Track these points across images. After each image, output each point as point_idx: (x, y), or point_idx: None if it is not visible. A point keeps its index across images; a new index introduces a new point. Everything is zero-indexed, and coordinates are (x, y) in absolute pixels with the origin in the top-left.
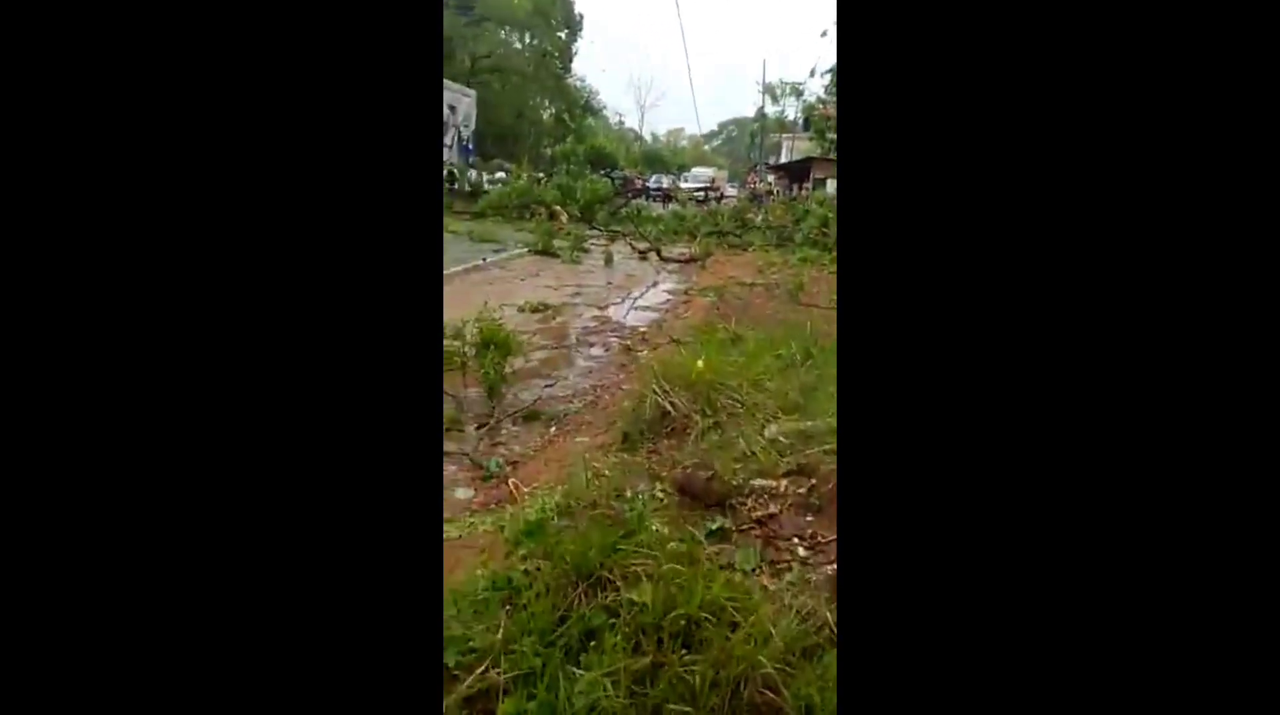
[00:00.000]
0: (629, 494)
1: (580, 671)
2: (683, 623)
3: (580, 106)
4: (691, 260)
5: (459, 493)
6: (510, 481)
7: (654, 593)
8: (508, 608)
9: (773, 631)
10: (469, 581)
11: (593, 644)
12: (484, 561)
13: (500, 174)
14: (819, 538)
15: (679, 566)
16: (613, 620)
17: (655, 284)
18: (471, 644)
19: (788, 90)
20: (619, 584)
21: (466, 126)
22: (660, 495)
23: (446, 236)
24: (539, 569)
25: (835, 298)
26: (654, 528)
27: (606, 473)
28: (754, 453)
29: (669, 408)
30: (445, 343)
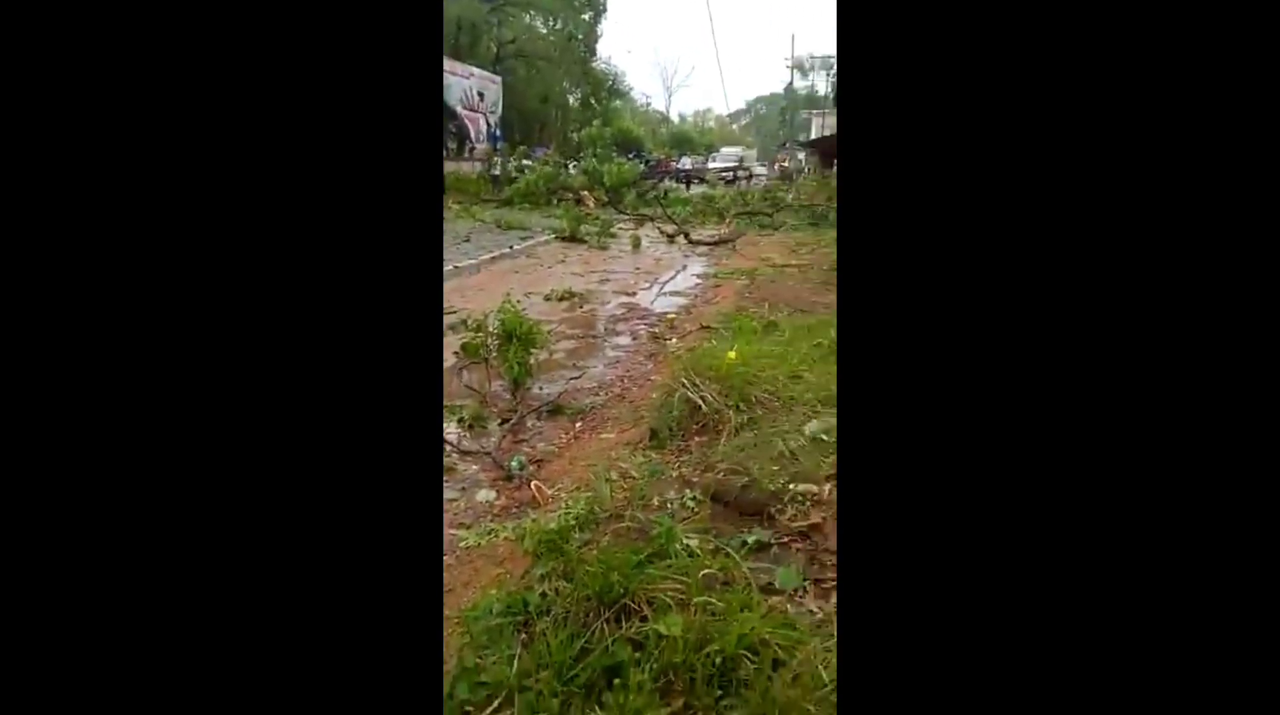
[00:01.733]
0: (656, 501)
1: (602, 714)
2: (718, 660)
3: (606, 89)
4: (721, 242)
5: (480, 495)
6: (533, 484)
7: (684, 624)
8: (523, 636)
9: (821, 671)
10: (483, 602)
11: (616, 682)
12: (499, 580)
13: (527, 161)
14: None
15: (712, 598)
16: (638, 655)
17: (684, 268)
18: (484, 678)
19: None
20: (645, 612)
21: (493, 113)
22: (691, 503)
23: (474, 224)
24: (558, 591)
25: None
26: (684, 542)
27: (634, 474)
28: (793, 453)
29: (699, 402)
30: (469, 336)
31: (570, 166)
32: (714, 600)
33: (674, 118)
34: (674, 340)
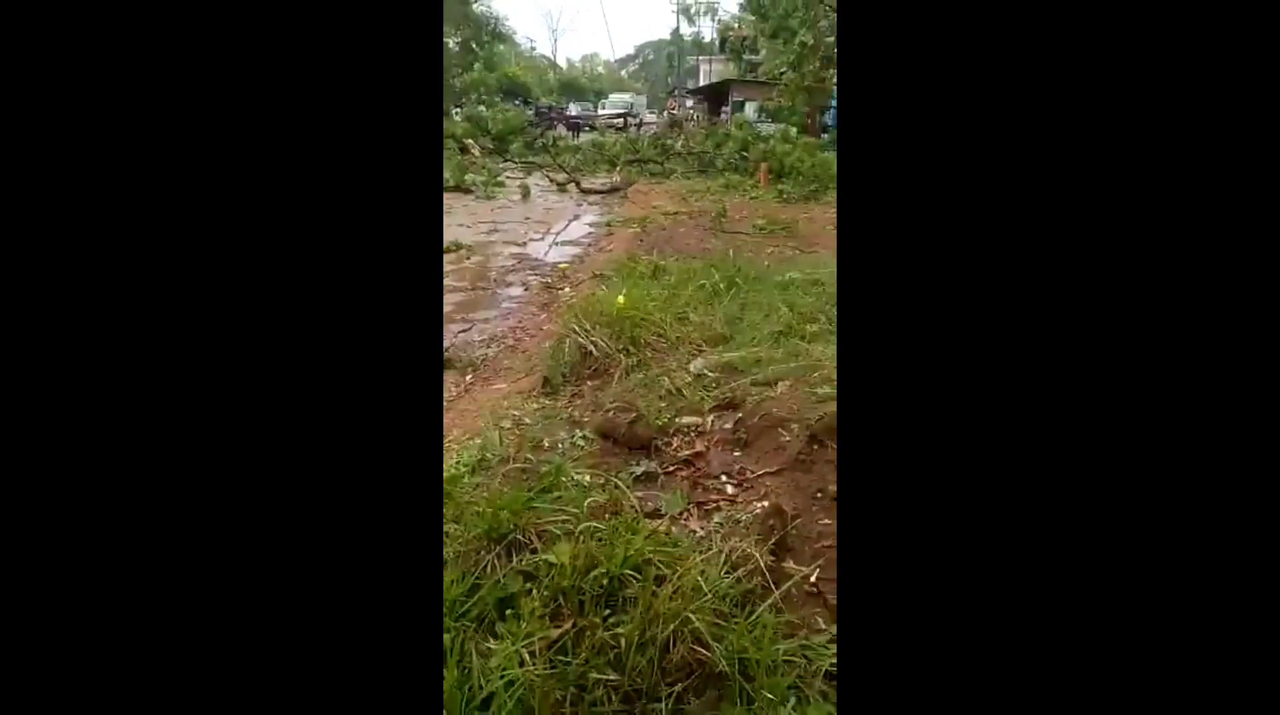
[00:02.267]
0: (547, 443)
1: (494, 644)
2: (605, 582)
3: (488, 33)
4: (613, 190)
5: None
6: None
7: (573, 552)
8: None
9: (702, 583)
10: None
11: (509, 612)
12: None
13: None
14: (746, 474)
15: (599, 522)
16: (529, 585)
17: (576, 217)
18: None
19: (702, 10)
20: (536, 545)
21: None
22: (581, 442)
23: None
24: (447, 534)
25: (757, 223)
26: (574, 478)
27: (526, 421)
28: (679, 390)
29: (591, 348)
30: None
31: (454, 113)
32: (600, 527)
33: (561, 63)
34: (567, 289)
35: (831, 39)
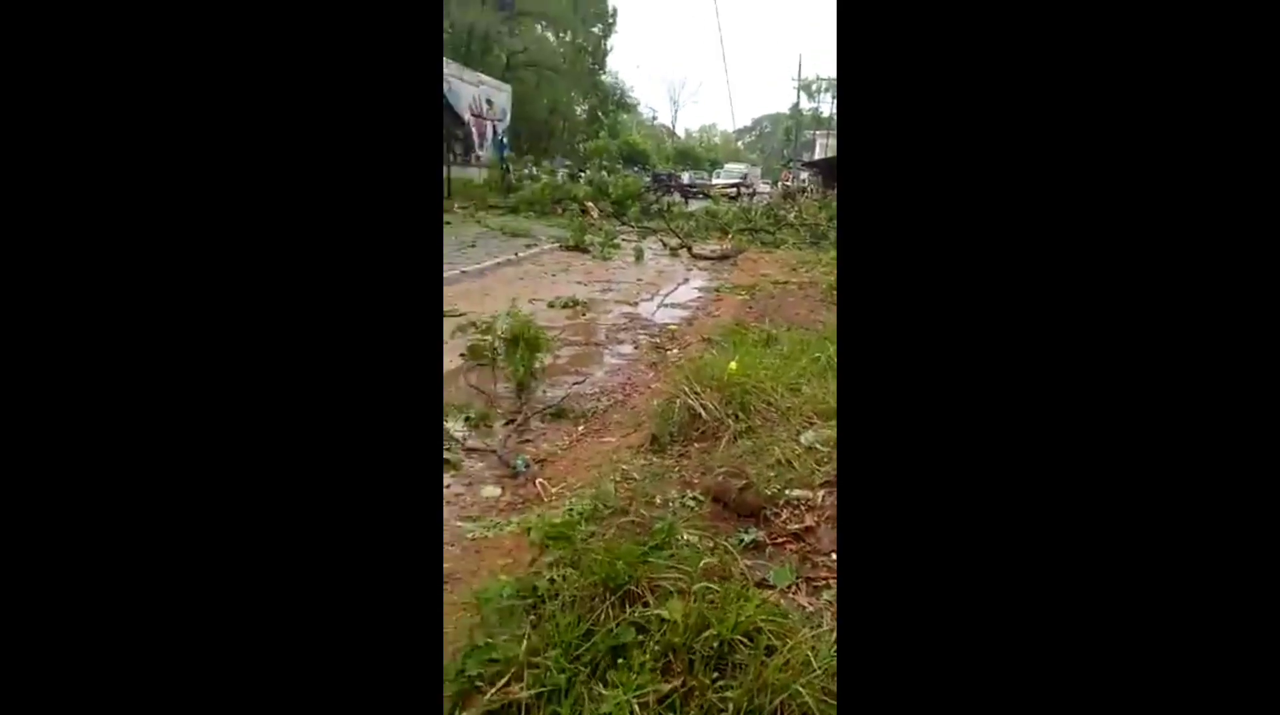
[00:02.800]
0: (659, 500)
1: (606, 690)
2: (715, 644)
3: (613, 102)
4: (723, 257)
5: (486, 491)
6: (538, 481)
7: (685, 610)
8: (532, 618)
9: (811, 658)
10: (493, 587)
11: (620, 661)
12: (506, 569)
13: (532, 169)
14: None
15: (711, 584)
16: (641, 637)
17: (686, 281)
18: (494, 655)
19: (823, 86)
20: (648, 598)
21: (501, 120)
22: (691, 503)
23: (479, 230)
24: (565, 578)
25: None
26: (685, 538)
27: (635, 476)
28: (789, 461)
29: (700, 410)
30: (476, 338)
31: (577, 176)
32: (714, 588)
33: (680, 133)
34: (675, 350)
35: None
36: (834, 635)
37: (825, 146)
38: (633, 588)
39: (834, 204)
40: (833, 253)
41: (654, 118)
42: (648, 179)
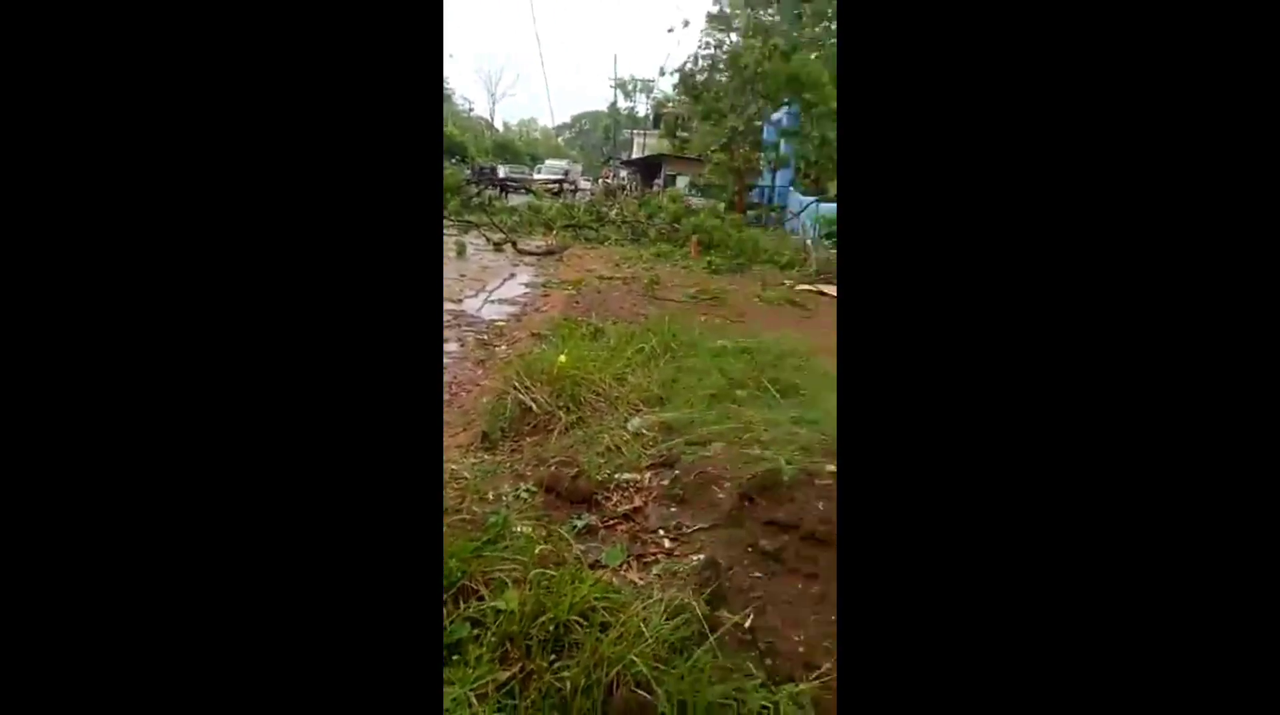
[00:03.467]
0: (491, 496)
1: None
2: (551, 628)
3: None
4: (549, 253)
5: None
6: None
7: (521, 599)
8: None
9: (644, 629)
10: None
11: (455, 657)
12: None
13: None
14: (683, 528)
15: (547, 571)
16: (477, 631)
17: (512, 276)
18: None
19: (639, 87)
20: (483, 592)
21: None
22: (525, 495)
23: None
24: None
25: (688, 292)
26: (520, 530)
27: (466, 475)
28: (618, 447)
29: (531, 404)
30: None
31: None
32: (548, 574)
33: (499, 126)
34: (504, 347)
35: (759, 124)
36: (663, 606)
37: (644, 145)
38: (467, 584)
39: (653, 202)
40: (654, 248)
41: (470, 109)
42: (467, 172)
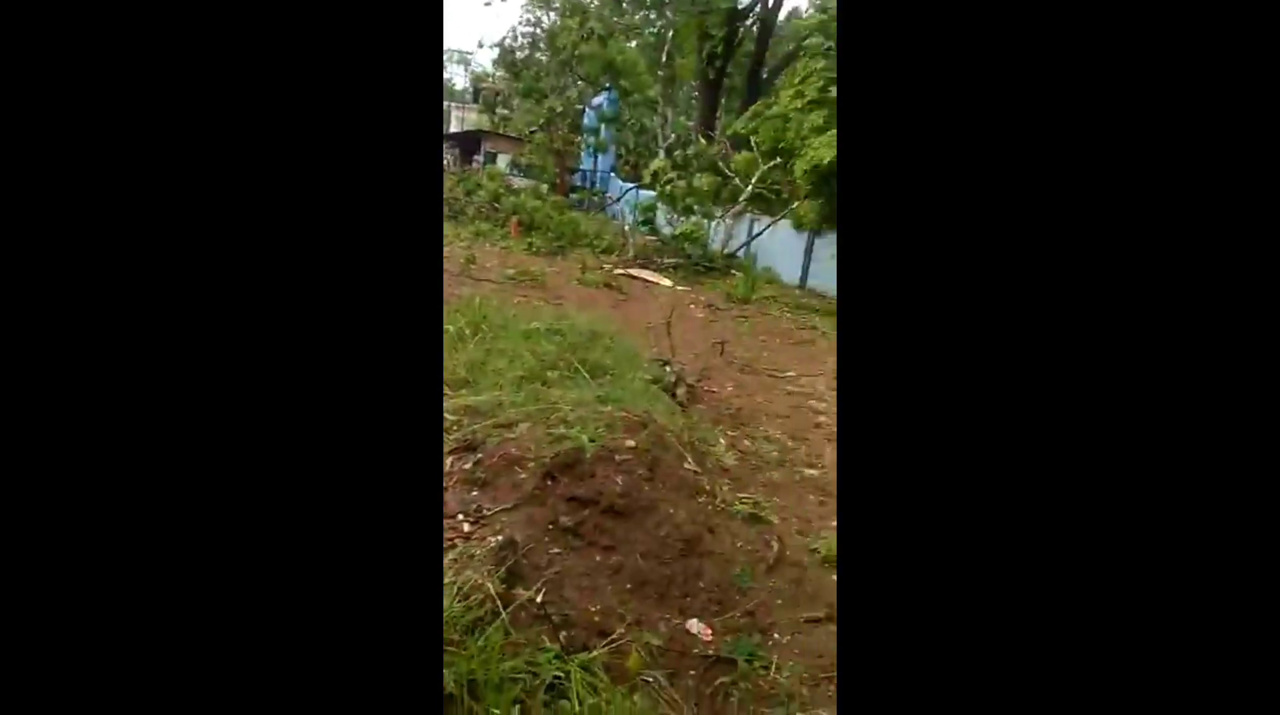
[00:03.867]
0: None
1: None
2: None
3: None
4: None
5: None
6: None
7: None
8: None
9: None
10: None
11: None
12: None
13: None
14: (483, 511)
15: None
16: None
17: None
18: None
19: (454, 58)
20: None
21: None
22: None
23: None
24: None
25: (507, 272)
26: None
27: None
28: None
29: None
30: None
31: None
32: None
33: None
34: None
35: (580, 107)
36: (455, 589)
37: (462, 119)
38: None
39: (471, 179)
40: (472, 227)
41: None
42: None
